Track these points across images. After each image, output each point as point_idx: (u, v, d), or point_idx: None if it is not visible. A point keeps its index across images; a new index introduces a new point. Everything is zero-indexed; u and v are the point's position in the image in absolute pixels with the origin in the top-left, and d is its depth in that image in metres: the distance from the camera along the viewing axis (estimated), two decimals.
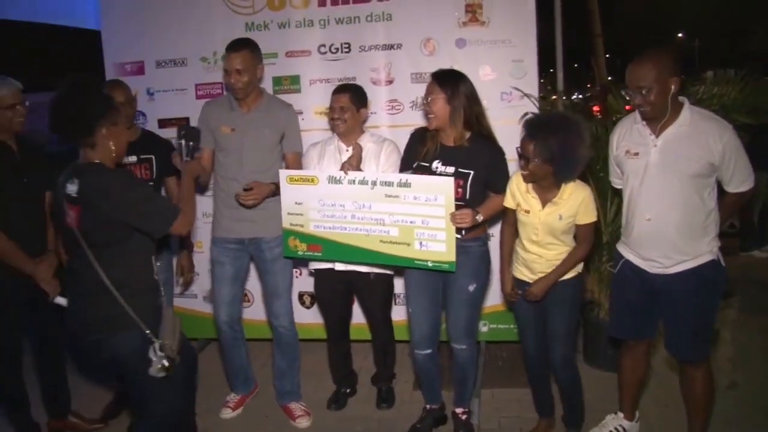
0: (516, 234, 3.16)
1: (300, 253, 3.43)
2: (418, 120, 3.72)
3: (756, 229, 6.84)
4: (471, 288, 3.22)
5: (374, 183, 3.18)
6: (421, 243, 3.14)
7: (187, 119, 4.25)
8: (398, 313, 4.16)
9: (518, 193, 3.05)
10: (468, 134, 3.14)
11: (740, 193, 2.84)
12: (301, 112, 4.23)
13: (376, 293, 3.70)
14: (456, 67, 3.29)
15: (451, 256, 3.09)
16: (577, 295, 3.11)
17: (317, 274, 3.75)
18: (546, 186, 2.95)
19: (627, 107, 3.68)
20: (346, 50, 4.18)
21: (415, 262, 3.19)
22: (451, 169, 3.11)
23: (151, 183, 3.56)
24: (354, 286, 3.71)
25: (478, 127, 3.14)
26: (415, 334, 3.36)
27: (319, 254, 3.41)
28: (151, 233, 2.61)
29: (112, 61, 4.46)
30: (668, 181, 2.79)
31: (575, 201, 2.93)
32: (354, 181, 3.22)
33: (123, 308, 2.51)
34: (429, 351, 3.36)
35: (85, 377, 4.02)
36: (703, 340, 2.94)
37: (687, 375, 3.03)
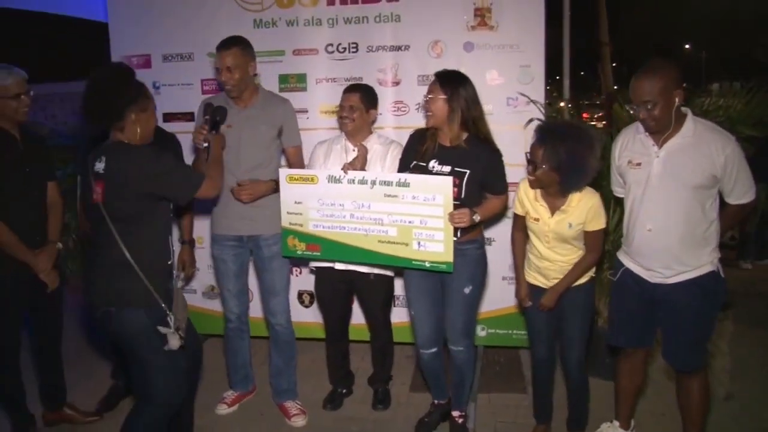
0: (527, 238, 3.17)
1: (299, 252, 3.43)
2: (423, 122, 3.71)
3: (752, 241, 6.85)
4: (467, 290, 3.23)
5: (373, 182, 3.19)
6: (419, 243, 3.15)
7: (193, 114, 4.25)
8: (397, 315, 4.16)
9: (527, 200, 3.06)
10: (465, 135, 3.15)
11: (741, 204, 2.84)
12: (307, 111, 4.25)
13: (376, 294, 3.70)
14: (463, 71, 3.29)
15: (449, 257, 3.10)
16: (590, 299, 3.12)
17: (318, 272, 3.76)
18: (553, 193, 2.96)
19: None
20: (354, 50, 4.17)
21: (413, 262, 3.19)
22: (447, 169, 3.12)
23: None
24: (354, 285, 3.71)
25: (476, 130, 3.15)
26: (419, 335, 3.38)
27: (318, 254, 3.41)
28: (178, 200, 2.77)
29: (119, 54, 4.45)
30: (670, 191, 2.79)
31: (584, 208, 2.93)
32: (353, 180, 3.23)
33: (142, 283, 2.63)
34: (434, 350, 3.39)
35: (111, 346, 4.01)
36: (700, 351, 2.94)
37: (684, 385, 3.03)
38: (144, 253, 2.65)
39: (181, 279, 4.10)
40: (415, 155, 3.24)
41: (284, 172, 3.38)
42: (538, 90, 3.99)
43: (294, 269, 4.37)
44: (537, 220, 3.02)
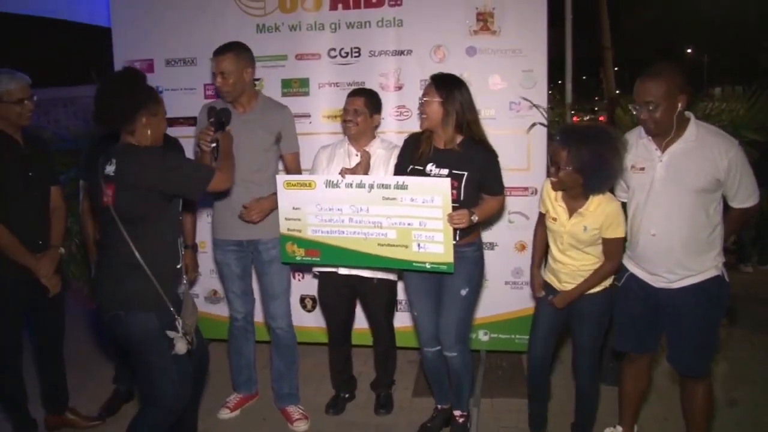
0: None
1: (298, 258, 3.42)
2: None
3: (749, 244, 6.84)
4: (464, 292, 3.24)
5: (371, 186, 3.18)
6: (418, 245, 3.14)
7: (195, 119, 4.25)
8: (400, 320, 4.16)
9: (548, 200, 3.07)
10: (459, 138, 3.16)
11: (745, 208, 2.84)
12: (310, 115, 4.25)
13: (379, 298, 3.70)
14: (465, 75, 3.29)
15: (449, 257, 3.10)
16: (605, 309, 3.08)
17: (321, 277, 3.76)
18: (574, 196, 2.95)
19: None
20: (356, 55, 4.18)
21: (414, 264, 3.19)
22: (445, 171, 3.12)
23: None
24: (358, 290, 3.70)
25: (470, 133, 3.16)
26: (422, 333, 3.40)
27: (318, 259, 3.40)
28: (190, 196, 2.84)
29: (122, 58, 4.45)
30: (674, 196, 2.79)
31: (601, 213, 2.92)
32: (351, 184, 3.22)
33: (152, 286, 2.65)
34: (438, 348, 3.39)
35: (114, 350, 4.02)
36: (705, 355, 2.94)
37: (687, 389, 3.03)
38: (154, 256, 2.67)
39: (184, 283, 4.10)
40: (412, 159, 3.25)
41: (281, 179, 3.38)
42: (540, 94, 3.98)
43: (296, 274, 4.37)
44: (555, 220, 3.03)
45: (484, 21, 3.98)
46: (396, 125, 4.17)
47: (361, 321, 4.03)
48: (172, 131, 4.02)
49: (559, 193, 3.02)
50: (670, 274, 2.85)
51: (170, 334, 2.67)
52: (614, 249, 2.98)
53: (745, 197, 2.81)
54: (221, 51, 3.39)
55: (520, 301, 4.16)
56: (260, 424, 3.76)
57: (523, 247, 4.09)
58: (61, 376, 3.66)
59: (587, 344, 3.13)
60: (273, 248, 3.55)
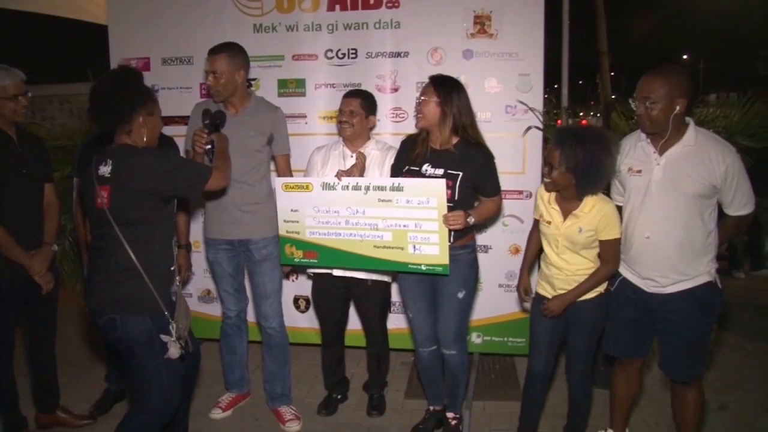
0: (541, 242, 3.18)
1: (296, 260, 3.43)
2: None
3: (741, 251, 6.86)
4: (460, 295, 3.25)
5: (367, 188, 3.19)
6: (414, 247, 3.15)
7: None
8: (393, 322, 4.16)
9: (542, 204, 3.06)
10: (455, 140, 3.17)
11: (740, 216, 2.84)
12: (306, 116, 4.26)
13: (373, 300, 3.70)
14: (462, 78, 3.30)
15: (445, 259, 3.10)
16: (600, 315, 3.06)
17: (315, 278, 3.76)
18: (568, 197, 2.95)
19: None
20: (353, 56, 4.18)
21: (409, 266, 3.20)
22: (440, 171, 3.13)
23: None
24: (352, 291, 3.70)
25: (466, 135, 3.16)
26: (417, 333, 3.41)
27: (315, 261, 3.41)
28: (189, 194, 2.82)
29: (118, 56, 4.45)
30: (670, 199, 2.80)
31: (597, 215, 2.91)
32: (347, 186, 3.23)
33: (148, 290, 2.62)
34: (433, 347, 3.40)
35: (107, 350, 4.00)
36: (696, 361, 2.94)
37: (679, 395, 3.03)
38: (150, 259, 2.64)
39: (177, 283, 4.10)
40: (408, 160, 3.26)
41: (280, 181, 3.38)
42: (536, 98, 3.99)
43: (290, 275, 4.36)
44: (549, 223, 3.01)
45: (482, 24, 3.99)
46: (392, 127, 4.17)
47: (354, 322, 4.03)
48: (168, 130, 4.01)
49: (553, 196, 3.01)
50: (663, 278, 2.86)
51: (164, 338, 2.65)
52: (611, 251, 2.96)
53: (741, 205, 2.81)
54: (215, 50, 3.40)
55: (514, 304, 4.17)
56: (252, 424, 3.75)
57: (517, 251, 4.10)
58: (53, 374, 3.65)
59: (581, 350, 3.12)
60: (264, 248, 3.55)
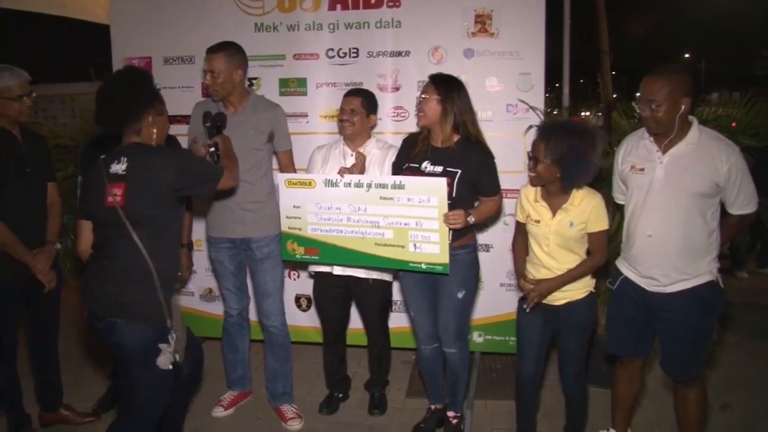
0: (528, 246, 3.15)
1: (298, 256, 3.44)
2: None
3: (744, 250, 6.85)
4: (460, 295, 3.26)
5: (369, 185, 3.20)
6: (415, 245, 3.16)
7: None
8: (395, 321, 4.17)
9: (527, 204, 3.04)
10: (456, 137, 3.18)
11: (743, 215, 2.84)
12: (307, 115, 4.26)
13: (374, 299, 3.71)
14: (463, 77, 3.31)
15: (445, 258, 3.11)
16: (591, 314, 3.06)
17: (316, 277, 3.77)
18: (554, 192, 2.94)
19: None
20: (354, 55, 4.18)
21: (410, 264, 3.20)
22: (439, 169, 3.14)
23: None
24: (353, 290, 3.71)
25: (467, 133, 3.17)
26: (419, 331, 3.43)
27: (317, 257, 3.42)
28: (202, 192, 2.83)
29: (120, 56, 4.46)
30: (672, 198, 2.80)
31: (586, 207, 2.90)
32: (350, 183, 3.24)
33: (155, 296, 2.55)
34: (435, 345, 3.42)
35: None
36: (697, 361, 2.94)
37: (681, 394, 3.03)
38: (160, 263, 2.57)
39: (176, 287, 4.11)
40: (408, 158, 3.27)
41: (283, 177, 3.39)
42: (537, 97, 3.99)
43: (291, 273, 4.37)
44: (538, 222, 2.99)
45: (482, 23, 3.99)
46: (393, 126, 4.18)
47: (355, 321, 4.03)
48: (170, 129, 4.02)
49: (539, 194, 2.99)
50: (664, 277, 2.86)
51: (162, 346, 2.56)
52: (600, 242, 2.96)
53: (744, 204, 2.81)
54: (213, 50, 3.41)
55: (515, 303, 4.13)
56: (254, 422, 3.76)
57: None
58: (56, 371, 3.67)
59: (575, 351, 3.10)
60: (265, 246, 3.56)
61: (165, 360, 2.56)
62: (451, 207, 3.06)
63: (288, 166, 3.68)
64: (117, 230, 2.53)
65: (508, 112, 4.03)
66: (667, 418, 3.38)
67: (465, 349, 3.40)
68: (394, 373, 4.15)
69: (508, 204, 3.96)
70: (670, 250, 2.82)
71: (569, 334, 3.08)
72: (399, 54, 4.14)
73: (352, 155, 3.51)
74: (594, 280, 3.07)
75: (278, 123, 3.60)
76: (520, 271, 3.19)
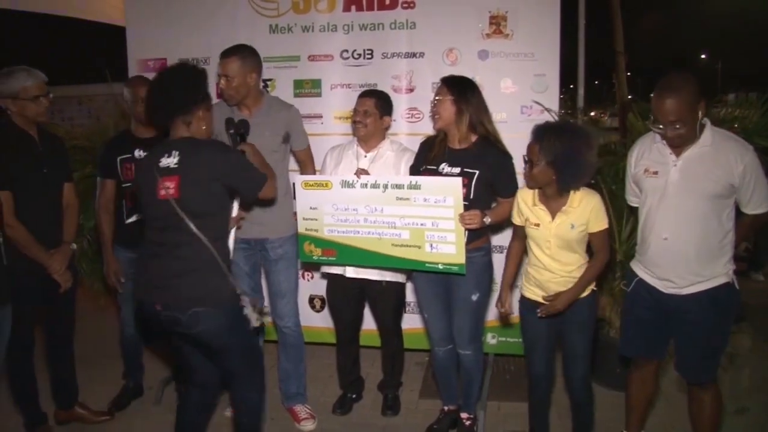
0: (524, 250, 3.14)
1: (315, 257, 3.44)
2: None
3: (761, 252, 6.78)
4: (474, 297, 3.26)
5: (385, 186, 3.20)
6: (431, 245, 3.15)
7: None
8: (408, 322, 4.16)
9: (525, 207, 3.00)
10: (474, 138, 3.18)
11: (758, 215, 2.82)
12: (321, 116, 4.27)
13: (387, 300, 3.71)
14: (477, 79, 3.30)
15: (461, 258, 3.10)
16: (593, 312, 3.07)
17: (330, 278, 3.78)
18: (552, 194, 2.90)
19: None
20: (369, 56, 4.19)
21: (426, 265, 3.20)
22: (457, 170, 3.14)
23: None
24: (366, 292, 3.72)
25: (485, 132, 3.17)
26: (433, 334, 3.44)
27: (334, 258, 3.42)
28: (246, 195, 2.83)
29: (136, 57, 4.49)
30: (687, 200, 2.78)
31: (586, 208, 2.87)
32: (366, 184, 3.24)
33: (227, 281, 2.68)
34: (449, 347, 3.42)
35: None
36: (713, 363, 2.92)
37: (695, 397, 3.02)
38: (222, 252, 2.69)
39: None
40: (425, 160, 3.27)
41: (299, 179, 3.40)
42: (552, 99, 3.98)
43: (306, 274, 4.38)
44: (537, 225, 2.95)
45: (497, 24, 3.99)
46: (407, 127, 4.18)
47: (369, 322, 4.03)
48: None
49: (537, 197, 2.96)
50: (680, 279, 2.84)
51: (246, 311, 2.72)
52: (603, 241, 2.95)
53: (758, 203, 2.79)
54: (227, 53, 3.41)
55: (497, 313, 4.14)
56: (267, 422, 3.76)
57: None
58: (71, 370, 3.70)
59: (581, 351, 3.07)
60: (279, 247, 3.56)
61: (253, 318, 2.73)
62: (468, 208, 3.06)
63: (307, 164, 3.71)
64: (174, 221, 2.60)
65: (523, 114, 4.02)
66: (681, 421, 3.35)
67: (479, 351, 3.40)
68: (407, 374, 4.15)
69: None
70: (687, 252, 2.80)
71: (573, 332, 3.06)
72: (413, 55, 4.14)
73: (365, 156, 3.52)
74: (594, 280, 3.05)
75: (293, 123, 3.60)
76: (507, 282, 3.17)
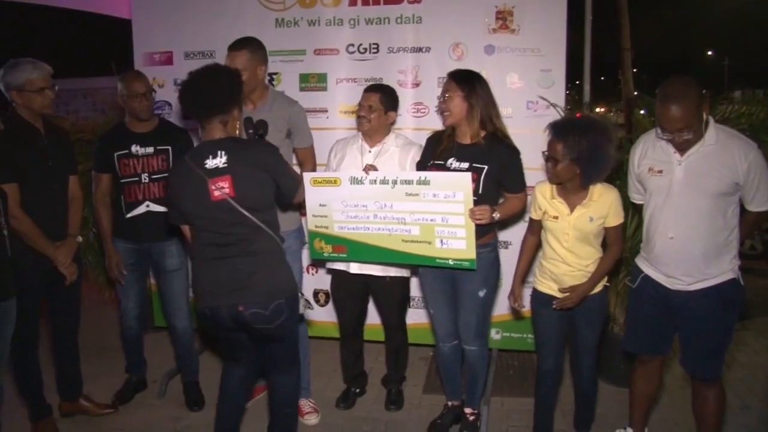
0: (538, 245, 3.16)
1: (325, 254, 3.44)
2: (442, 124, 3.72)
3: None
4: (481, 293, 3.25)
5: (395, 182, 3.19)
6: (441, 241, 3.14)
7: None
8: (412, 317, 4.16)
9: (544, 201, 3.03)
10: (483, 133, 3.16)
11: (762, 212, 2.82)
12: (327, 110, 4.27)
13: (391, 295, 3.71)
14: (483, 74, 3.29)
15: (472, 254, 3.09)
16: (604, 308, 3.08)
17: (334, 273, 3.77)
18: (572, 189, 2.93)
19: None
20: (375, 51, 4.18)
21: (437, 260, 3.19)
22: (465, 165, 3.13)
23: (167, 175, 3.56)
24: (370, 287, 3.71)
25: (493, 128, 3.16)
26: (439, 330, 3.43)
27: (344, 255, 3.41)
28: (287, 194, 2.86)
29: (142, 50, 4.50)
30: (692, 199, 2.77)
31: (605, 202, 2.92)
32: (375, 180, 3.23)
33: (290, 270, 2.84)
34: (454, 342, 3.42)
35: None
36: (718, 359, 2.92)
37: (700, 393, 3.01)
38: (281, 241, 2.80)
39: None
40: (433, 155, 3.26)
41: (308, 176, 3.37)
42: (558, 94, 3.97)
43: (310, 268, 4.38)
44: (556, 218, 2.99)
45: (504, 19, 3.98)
46: (413, 122, 4.18)
47: (373, 317, 4.03)
48: (189, 123, 4.04)
49: (555, 190, 2.99)
50: (687, 277, 2.84)
51: (303, 300, 2.86)
52: (618, 235, 3.00)
53: (763, 201, 2.78)
54: (236, 47, 3.39)
55: (509, 306, 4.14)
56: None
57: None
58: (76, 363, 3.71)
59: (590, 344, 3.12)
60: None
61: (301, 306, 2.86)
62: (476, 204, 3.04)
63: (305, 164, 3.67)
64: (237, 221, 2.64)
65: (529, 109, 4.01)
66: (685, 417, 3.35)
67: (485, 347, 3.40)
68: (411, 369, 4.15)
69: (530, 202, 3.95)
70: (693, 251, 2.80)
71: (584, 327, 3.09)
72: (419, 50, 4.13)
73: (370, 151, 3.51)
74: (607, 274, 3.07)
75: (296, 119, 3.58)
76: (520, 276, 3.22)
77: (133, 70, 4.04)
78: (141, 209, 3.68)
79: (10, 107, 3.30)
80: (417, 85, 4.16)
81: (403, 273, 3.67)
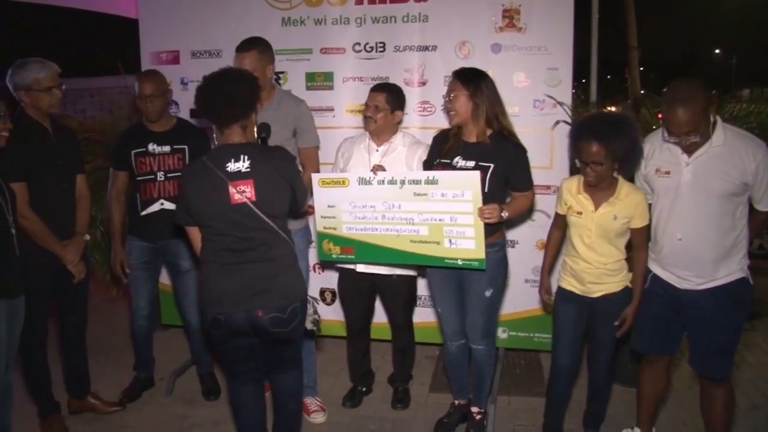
0: (563, 239, 3.17)
1: (334, 256, 3.42)
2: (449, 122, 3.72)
3: None
4: (488, 293, 3.24)
5: (402, 182, 3.17)
6: (450, 241, 3.13)
7: None
8: (419, 315, 4.16)
9: (569, 196, 3.03)
10: (489, 132, 3.15)
11: None
12: (333, 109, 4.27)
13: (398, 294, 3.70)
14: (490, 72, 3.28)
15: (481, 254, 3.08)
16: (625, 306, 3.06)
17: (341, 271, 3.77)
18: (602, 186, 2.94)
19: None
20: (381, 49, 4.18)
21: (446, 260, 3.18)
22: (471, 164, 3.11)
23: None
24: (377, 285, 3.71)
25: (499, 127, 3.15)
26: (446, 329, 3.43)
27: (353, 257, 3.40)
28: (300, 202, 2.84)
29: (148, 49, 4.52)
30: (701, 200, 2.76)
31: (632, 202, 2.91)
32: (383, 181, 3.22)
33: (302, 274, 2.85)
34: (462, 341, 3.41)
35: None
36: (727, 358, 2.91)
37: (708, 393, 3.00)
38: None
39: None
40: (439, 154, 3.25)
41: (317, 177, 3.36)
42: (565, 93, 3.96)
43: (316, 267, 4.38)
44: (580, 213, 2.98)
45: (510, 18, 3.97)
46: (419, 121, 4.17)
47: (380, 315, 4.03)
48: (202, 122, 4.06)
49: (582, 186, 2.99)
50: (697, 278, 2.83)
51: (312, 308, 2.86)
52: (643, 237, 2.99)
53: None
54: (245, 47, 3.40)
55: (540, 300, 4.14)
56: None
57: (543, 246, 4.06)
58: (83, 361, 3.72)
59: (608, 341, 3.11)
60: None
61: (310, 323, 2.86)
62: (483, 202, 3.03)
63: (308, 166, 3.61)
64: (256, 225, 2.63)
65: (535, 108, 4.01)
66: (693, 417, 3.34)
67: (492, 346, 3.39)
68: (417, 368, 4.14)
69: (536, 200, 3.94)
70: (702, 252, 2.79)
71: (603, 326, 3.08)
72: (426, 48, 4.13)
73: (377, 150, 3.51)
74: (630, 274, 3.05)
75: (302, 119, 3.58)
76: (547, 269, 3.24)
77: (146, 70, 4.04)
78: (155, 207, 3.70)
79: (19, 107, 3.31)
80: (423, 83, 4.16)
81: (410, 272, 3.66)
